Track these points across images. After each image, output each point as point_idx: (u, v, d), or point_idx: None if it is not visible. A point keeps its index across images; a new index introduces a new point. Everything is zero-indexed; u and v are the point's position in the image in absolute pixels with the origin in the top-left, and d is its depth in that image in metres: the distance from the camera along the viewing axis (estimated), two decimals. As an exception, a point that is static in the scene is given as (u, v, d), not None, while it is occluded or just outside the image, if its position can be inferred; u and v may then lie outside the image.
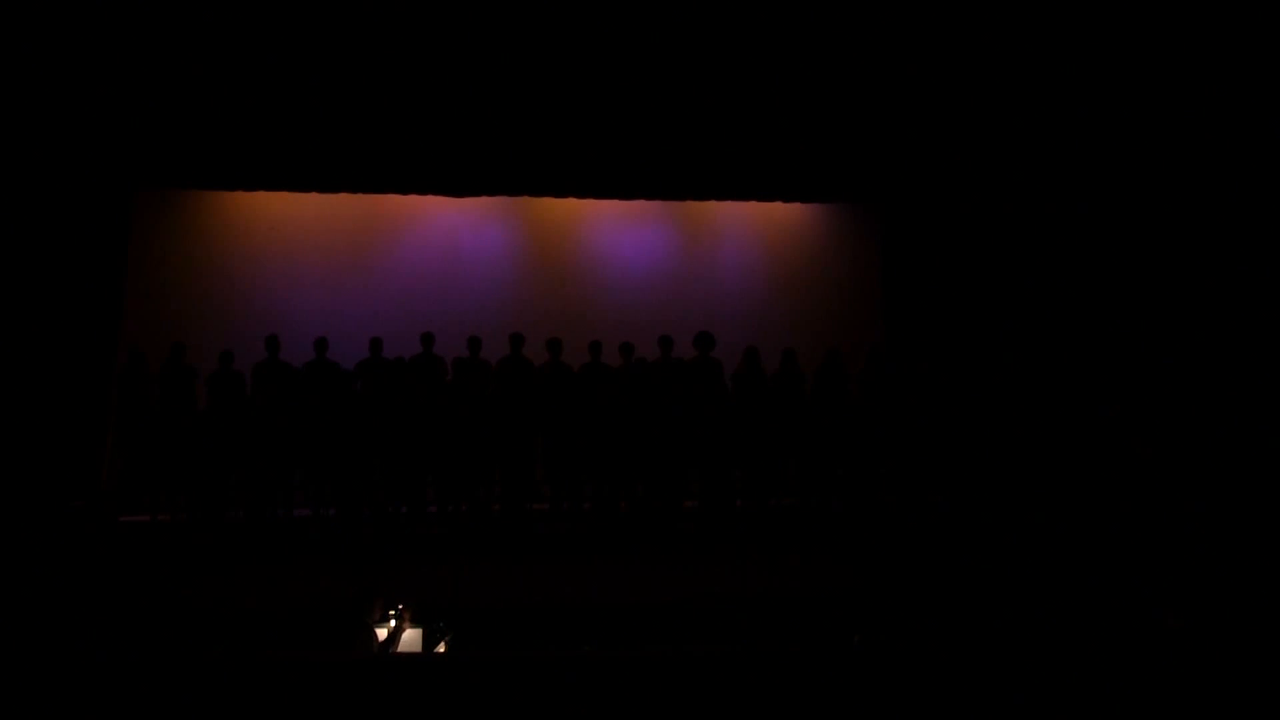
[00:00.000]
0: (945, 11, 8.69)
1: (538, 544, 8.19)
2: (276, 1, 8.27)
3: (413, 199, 10.01)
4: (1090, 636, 5.64)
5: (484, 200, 9.98)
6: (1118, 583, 7.30)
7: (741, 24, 8.71)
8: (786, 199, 10.19)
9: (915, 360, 9.55)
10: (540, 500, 8.81)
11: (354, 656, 5.58)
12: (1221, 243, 8.58)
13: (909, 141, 9.42)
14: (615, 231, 10.69)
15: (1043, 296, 9.31)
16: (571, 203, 10.22)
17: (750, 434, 8.98)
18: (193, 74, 8.43)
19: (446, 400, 8.74)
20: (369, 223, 10.31)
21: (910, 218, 9.99)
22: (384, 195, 9.78)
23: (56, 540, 7.58)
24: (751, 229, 10.83)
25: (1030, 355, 9.28)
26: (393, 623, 6.09)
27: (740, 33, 8.76)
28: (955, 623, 7.01)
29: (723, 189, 9.80)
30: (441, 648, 6.21)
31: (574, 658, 4.96)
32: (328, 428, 8.60)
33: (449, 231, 10.46)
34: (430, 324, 9.00)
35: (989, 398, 9.30)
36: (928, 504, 8.91)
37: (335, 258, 10.19)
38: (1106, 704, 4.04)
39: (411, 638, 6.15)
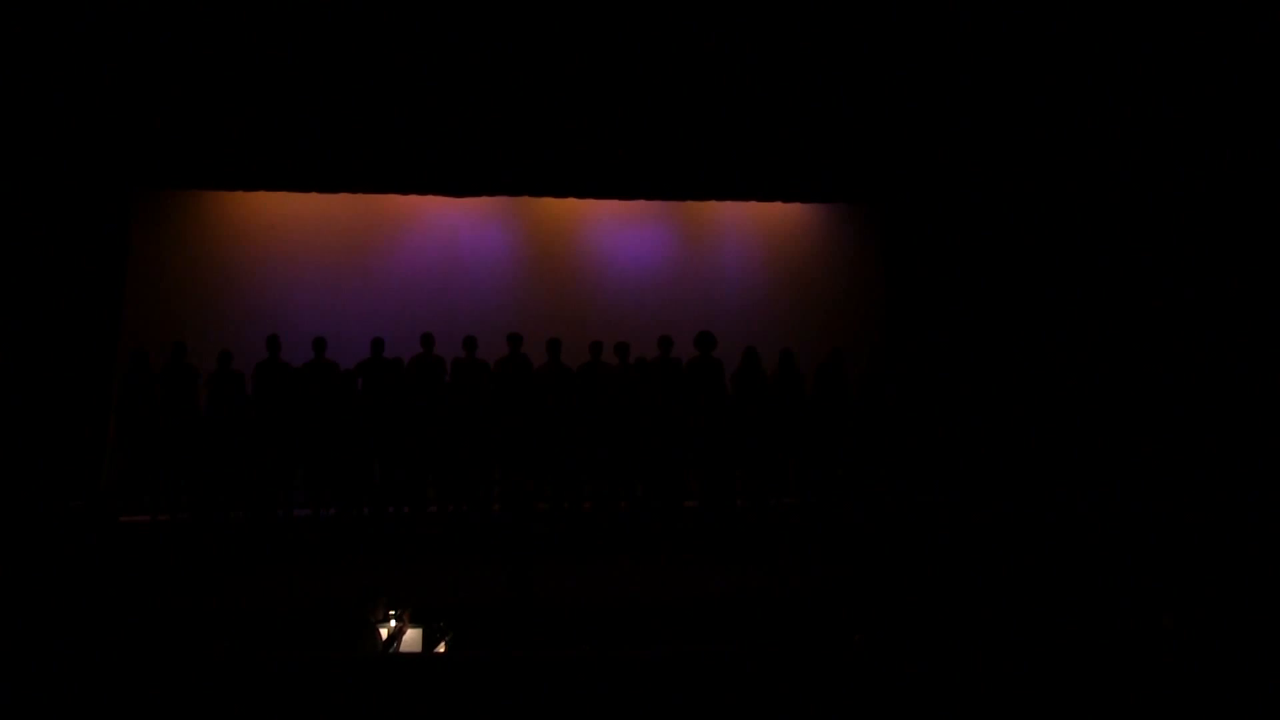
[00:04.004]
0: (945, 11, 8.68)
1: (538, 544, 8.19)
2: (275, 1, 8.27)
3: (413, 199, 10.01)
4: (1088, 636, 5.65)
5: (484, 200, 9.98)
6: (1115, 583, 7.30)
7: (742, 24, 8.71)
8: (786, 199, 10.18)
9: (916, 360, 9.55)
10: (541, 500, 8.82)
11: (355, 656, 5.59)
12: (1223, 242, 8.58)
13: (909, 141, 9.42)
14: (615, 231, 10.69)
15: (1044, 296, 9.31)
16: (571, 203, 10.21)
17: (750, 434, 8.98)
18: (192, 74, 8.43)
19: (446, 400, 8.75)
20: (369, 223, 10.30)
21: (911, 218, 9.99)
22: (384, 195, 9.78)
23: (56, 540, 7.58)
24: (751, 229, 10.82)
25: (1031, 355, 9.28)
26: (393, 623, 6.09)
27: (740, 33, 8.76)
28: (955, 622, 7.01)
29: (723, 189, 9.79)
30: (441, 648, 6.22)
31: (574, 658, 4.96)
32: (328, 427, 8.61)
33: (449, 231, 10.46)
34: (430, 324, 9.01)
35: (990, 398, 9.31)
36: (928, 504, 8.91)
37: (335, 258, 10.18)
38: (1104, 703, 4.04)
39: (412, 638, 6.15)
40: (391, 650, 5.99)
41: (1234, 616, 6.00)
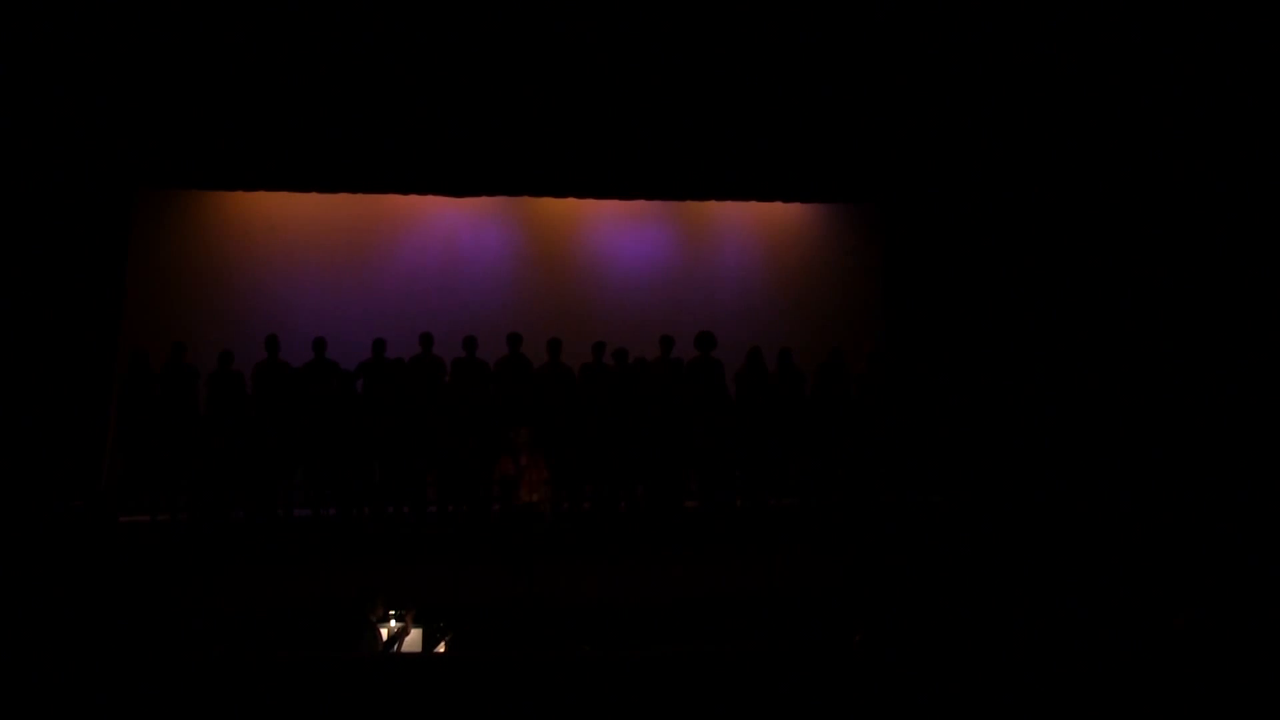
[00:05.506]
0: (946, 11, 8.68)
1: (538, 544, 8.19)
2: (276, 2, 8.26)
3: (413, 199, 10.00)
4: (1091, 635, 5.64)
5: (484, 200, 9.98)
6: (1119, 581, 7.30)
7: (742, 24, 8.71)
8: (786, 199, 10.18)
9: (915, 360, 9.55)
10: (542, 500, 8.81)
11: (355, 656, 5.59)
12: (1223, 242, 8.58)
13: (910, 141, 9.41)
14: (615, 231, 10.69)
15: (1044, 296, 9.31)
16: (571, 203, 10.21)
17: (753, 434, 8.99)
18: (193, 73, 8.42)
19: (446, 400, 8.75)
20: (369, 223, 10.30)
21: (912, 218, 9.99)
22: (384, 195, 9.77)
23: (56, 540, 7.58)
24: (751, 229, 10.82)
25: (1031, 354, 9.27)
26: (393, 623, 6.10)
27: (740, 32, 8.76)
28: (955, 622, 7.00)
29: (723, 189, 9.79)
30: (441, 648, 6.22)
31: (574, 658, 4.96)
32: (327, 428, 8.61)
33: (449, 231, 10.46)
34: (430, 324, 9.01)
35: (990, 397, 9.31)
36: (927, 503, 8.91)
37: (335, 258, 10.18)
38: (1108, 703, 4.04)
39: (411, 638, 6.16)
40: (392, 650, 5.99)
41: (1248, 618, 5.98)
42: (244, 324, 9.45)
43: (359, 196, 9.77)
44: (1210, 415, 8.39)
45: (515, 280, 10.41)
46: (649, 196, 10.09)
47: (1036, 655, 4.52)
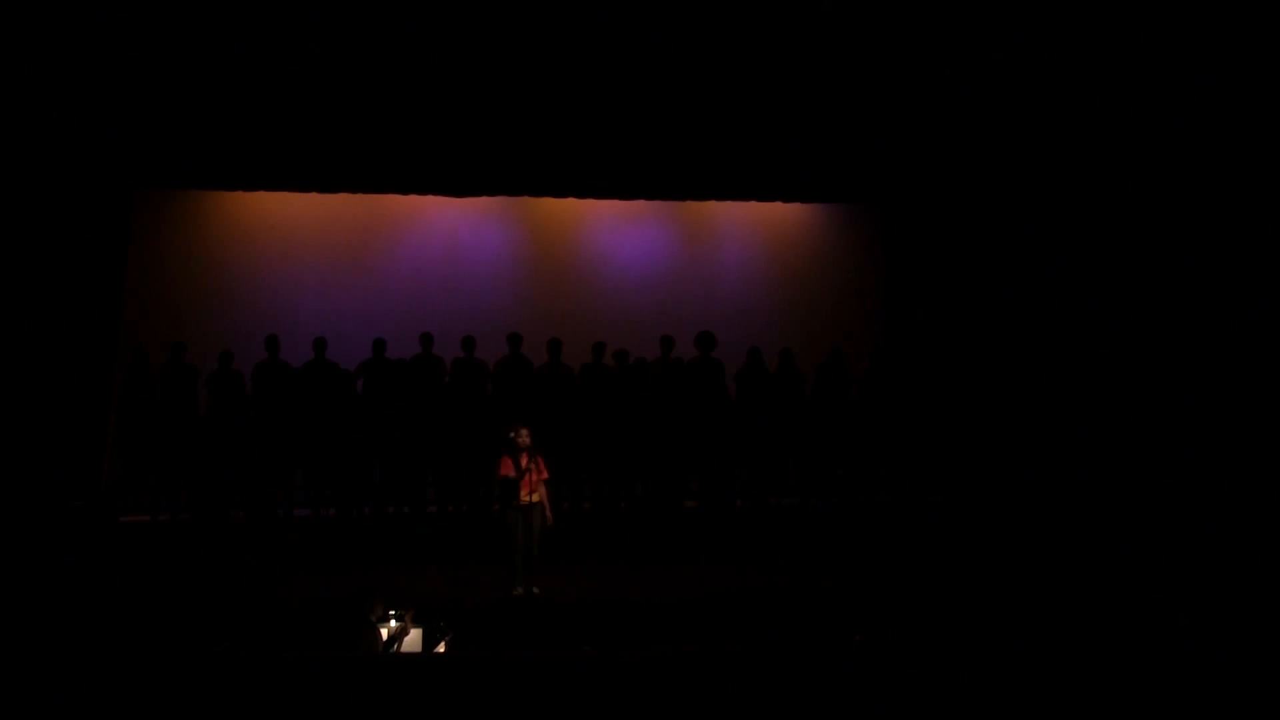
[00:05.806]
0: (946, 11, 8.68)
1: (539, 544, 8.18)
2: (275, 1, 8.26)
3: (413, 199, 10.00)
4: (1092, 635, 5.64)
5: (484, 200, 9.98)
6: (1120, 581, 7.30)
7: (742, 23, 8.71)
8: (786, 199, 10.18)
9: (915, 360, 9.55)
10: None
11: (355, 656, 5.59)
12: (1224, 243, 8.57)
13: (910, 141, 9.40)
14: (615, 231, 10.69)
15: (1045, 296, 9.31)
16: (571, 203, 10.21)
17: (753, 434, 8.99)
18: (192, 73, 8.42)
19: (446, 400, 8.75)
20: (369, 223, 10.31)
21: (912, 218, 9.99)
22: (384, 195, 9.77)
23: (56, 540, 7.58)
24: (751, 229, 10.83)
25: (1031, 354, 9.27)
26: (393, 623, 6.09)
27: (740, 32, 8.76)
28: (955, 622, 7.00)
29: (723, 189, 9.79)
30: (441, 648, 6.22)
31: (574, 658, 4.96)
32: (327, 428, 8.61)
33: (449, 231, 10.47)
34: (430, 324, 9.02)
35: (989, 398, 9.31)
36: (927, 503, 8.91)
37: (335, 258, 10.19)
38: (1108, 703, 4.04)
39: (412, 638, 6.16)
40: (392, 650, 5.99)
41: (1249, 617, 5.98)
42: (244, 324, 9.47)
43: (359, 196, 9.76)
44: (1211, 416, 8.38)
45: (515, 280, 10.42)
46: (649, 196, 10.09)
47: (1037, 655, 4.51)
